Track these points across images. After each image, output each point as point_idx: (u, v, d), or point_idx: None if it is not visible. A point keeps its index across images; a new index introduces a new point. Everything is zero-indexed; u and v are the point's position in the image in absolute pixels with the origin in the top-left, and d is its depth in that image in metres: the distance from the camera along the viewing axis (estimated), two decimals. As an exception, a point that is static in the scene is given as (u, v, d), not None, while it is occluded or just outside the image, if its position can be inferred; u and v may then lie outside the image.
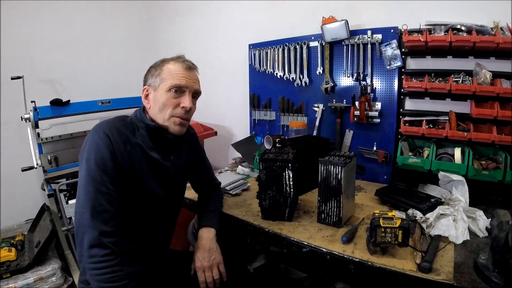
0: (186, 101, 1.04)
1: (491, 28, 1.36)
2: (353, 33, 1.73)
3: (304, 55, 1.95)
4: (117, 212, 0.94)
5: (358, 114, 1.72)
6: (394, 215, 0.98)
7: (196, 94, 1.11)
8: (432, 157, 1.45)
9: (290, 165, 1.23)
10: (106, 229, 0.89)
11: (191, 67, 1.08)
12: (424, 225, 1.14)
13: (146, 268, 1.12)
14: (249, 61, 2.26)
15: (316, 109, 1.97)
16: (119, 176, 0.95)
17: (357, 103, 1.73)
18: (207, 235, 1.15)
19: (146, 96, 1.08)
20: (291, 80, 2.03)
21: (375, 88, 1.74)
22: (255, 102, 2.25)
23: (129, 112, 1.20)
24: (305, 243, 1.11)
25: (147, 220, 1.08)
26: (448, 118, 1.49)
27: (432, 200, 1.31)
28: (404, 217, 1.21)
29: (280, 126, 2.14)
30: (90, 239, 0.86)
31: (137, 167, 1.00)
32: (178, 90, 1.04)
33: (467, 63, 1.47)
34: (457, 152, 1.44)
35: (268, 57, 2.11)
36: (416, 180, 1.58)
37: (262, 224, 1.26)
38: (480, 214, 1.19)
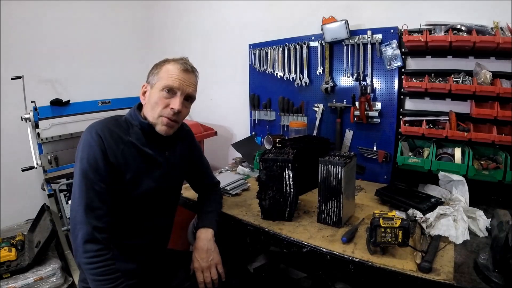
0: (175, 102, 1.04)
1: (491, 28, 1.36)
2: (353, 33, 1.73)
3: (304, 55, 1.94)
4: (109, 209, 0.97)
5: (358, 114, 1.72)
6: (394, 215, 0.99)
7: (189, 98, 1.10)
8: (432, 157, 1.45)
9: (290, 165, 1.22)
10: (99, 225, 0.93)
11: (188, 70, 1.07)
12: (424, 225, 1.14)
13: (144, 265, 1.13)
14: (249, 61, 2.25)
15: (316, 109, 1.97)
16: (111, 174, 0.98)
17: (357, 103, 1.73)
18: (205, 235, 1.16)
19: (144, 92, 1.10)
20: (291, 80, 2.03)
21: (375, 88, 1.74)
22: (255, 102, 2.25)
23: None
24: (305, 243, 1.11)
25: (143, 216, 1.09)
26: (448, 118, 1.49)
27: (432, 200, 1.31)
28: (404, 217, 1.21)
29: (280, 126, 2.14)
30: (84, 234, 0.90)
31: (131, 164, 1.02)
32: (170, 91, 1.04)
33: (467, 63, 1.47)
34: (457, 152, 1.44)
35: (268, 57, 2.11)
36: (416, 180, 1.58)
37: (262, 224, 1.26)
38: (480, 214, 1.19)
